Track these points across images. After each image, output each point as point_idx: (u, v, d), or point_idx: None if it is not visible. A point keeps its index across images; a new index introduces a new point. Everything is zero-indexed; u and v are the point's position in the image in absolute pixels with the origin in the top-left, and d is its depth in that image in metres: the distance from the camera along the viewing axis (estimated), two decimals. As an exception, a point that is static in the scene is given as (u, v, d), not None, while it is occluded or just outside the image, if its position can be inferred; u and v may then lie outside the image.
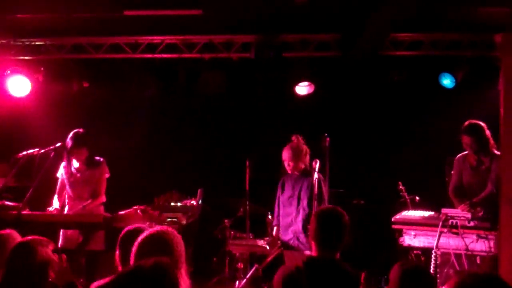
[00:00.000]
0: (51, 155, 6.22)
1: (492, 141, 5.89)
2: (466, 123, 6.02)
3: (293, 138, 6.49)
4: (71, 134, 6.47)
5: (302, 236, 6.17)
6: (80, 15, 6.97)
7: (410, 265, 3.16)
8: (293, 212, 6.30)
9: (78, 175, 6.55)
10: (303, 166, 6.38)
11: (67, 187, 6.56)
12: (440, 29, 7.34)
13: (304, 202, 6.26)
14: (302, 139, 6.50)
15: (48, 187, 6.70)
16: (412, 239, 5.88)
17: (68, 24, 7.32)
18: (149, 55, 7.87)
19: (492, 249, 5.31)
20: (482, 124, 5.95)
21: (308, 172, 6.32)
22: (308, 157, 6.44)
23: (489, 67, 7.12)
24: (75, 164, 6.56)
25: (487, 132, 5.91)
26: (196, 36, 7.77)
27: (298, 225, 6.21)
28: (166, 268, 2.49)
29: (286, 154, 6.39)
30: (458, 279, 2.12)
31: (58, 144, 6.33)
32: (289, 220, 6.31)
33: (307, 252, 6.04)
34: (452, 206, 6.04)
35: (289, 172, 6.41)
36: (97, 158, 6.63)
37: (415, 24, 7.30)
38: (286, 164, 6.40)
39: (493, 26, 6.27)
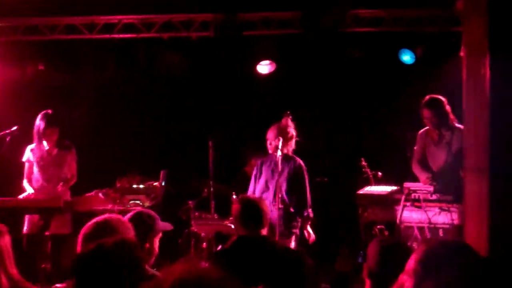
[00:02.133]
0: (7, 139, 6.09)
1: (452, 115, 5.94)
2: (427, 97, 6.06)
3: (284, 118, 6.33)
4: (40, 115, 6.39)
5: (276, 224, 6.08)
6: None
7: (389, 241, 3.16)
8: (270, 198, 6.15)
9: (49, 157, 6.48)
10: (285, 151, 6.20)
11: (37, 170, 6.45)
12: (400, 5, 7.35)
13: (283, 188, 6.14)
14: (292, 122, 6.35)
15: (6, 171, 6.57)
16: (375, 214, 5.94)
17: (21, 5, 7.11)
18: (106, 36, 7.69)
19: (455, 221, 5.40)
20: (442, 98, 5.99)
21: (290, 158, 6.24)
22: (293, 142, 6.29)
23: (449, 43, 7.18)
24: (46, 146, 6.46)
25: (447, 107, 5.96)
26: (155, 15, 7.63)
27: (274, 213, 6.07)
28: (129, 245, 2.45)
29: (271, 133, 6.19)
30: (427, 247, 2.11)
31: (14, 128, 6.20)
32: None
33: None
34: (414, 180, 6.10)
35: (270, 151, 6.25)
36: (67, 141, 6.57)
37: (375, 0, 7.30)
38: (268, 143, 6.26)
39: (452, 2, 6.31)
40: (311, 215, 6.25)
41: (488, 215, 2.58)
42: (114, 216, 3.19)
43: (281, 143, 6.04)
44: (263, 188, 6.28)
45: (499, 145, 2.59)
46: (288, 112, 6.42)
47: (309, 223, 6.27)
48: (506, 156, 2.60)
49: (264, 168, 6.38)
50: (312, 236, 6.27)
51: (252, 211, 4.06)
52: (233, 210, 4.25)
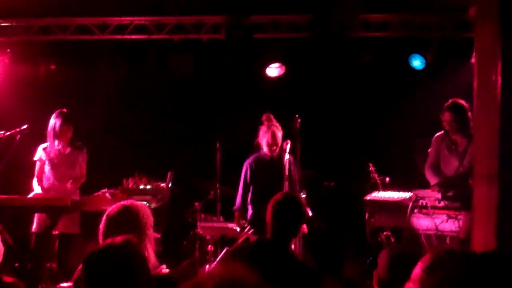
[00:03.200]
0: (17, 137, 6.12)
1: (472, 123, 5.81)
2: (450, 100, 5.96)
3: (265, 117, 6.40)
4: (55, 114, 6.43)
5: None
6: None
7: (399, 249, 3.13)
8: None
9: (62, 157, 6.51)
10: (278, 148, 6.31)
11: (48, 169, 6.47)
12: (410, 10, 7.33)
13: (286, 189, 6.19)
14: (275, 122, 6.42)
15: (15, 170, 6.60)
16: (382, 220, 5.91)
17: (34, 5, 7.14)
18: (118, 37, 7.73)
19: (460, 234, 5.34)
20: (465, 104, 5.89)
21: (280, 155, 6.28)
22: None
23: (459, 49, 7.16)
24: (58, 145, 6.48)
25: (469, 113, 5.81)
26: (166, 17, 7.65)
27: None
28: (134, 246, 2.50)
29: (277, 136, 6.28)
30: (433, 254, 2.10)
31: (24, 127, 6.23)
32: None
33: None
34: (423, 187, 6.06)
35: (270, 154, 6.29)
36: (79, 142, 6.61)
37: (385, 5, 7.29)
38: (271, 145, 6.28)
39: (462, 7, 6.29)
40: (309, 213, 6.28)
41: (496, 222, 2.57)
42: (139, 203, 3.32)
43: (288, 146, 6.05)
44: (266, 189, 6.25)
45: (509, 152, 2.58)
46: (297, 116, 6.43)
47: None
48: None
49: (256, 170, 6.42)
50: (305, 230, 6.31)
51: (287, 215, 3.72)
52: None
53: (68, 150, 6.55)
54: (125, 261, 2.45)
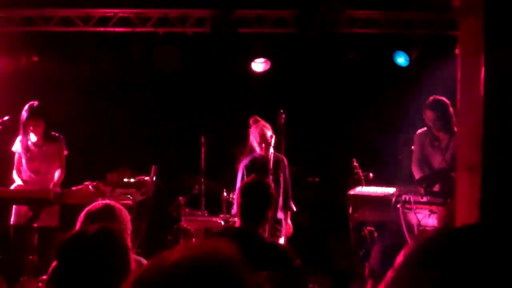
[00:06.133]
0: (-1, 128, 6.06)
1: (454, 119, 5.85)
2: (431, 98, 5.99)
3: (252, 120, 6.38)
4: (26, 106, 6.34)
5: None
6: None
7: (391, 242, 3.15)
8: None
9: (36, 149, 6.43)
10: (270, 147, 6.26)
11: (24, 161, 6.42)
12: (395, 7, 7.36)
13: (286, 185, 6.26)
14: (264, 122, 6.40)
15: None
16: (365, 215, 5.93)
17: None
18: (101, 29, 7.66)
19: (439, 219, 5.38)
20: (447, 100, 5.92)
21: (275, 157, 6.28)
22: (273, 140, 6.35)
23: (443, 46, 7.19)
24: (33, 138, 6.43)
25: (451, 109, 5.86)
26: (150, 9, 7.61)
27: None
28: (112, 233, 2.43)
29: (265, 133, 6.25)
30: (415, 242, 2.10)
31: (6, 118, 6.16)
32: None
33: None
34: (406, 182, 6.09)
35: (261, 152, 6.28)
36: (55, 133, 6.53)
37: (371, 1, 7.31)
38: (261, 142, 6.27)
39: (448, 5, 6.31)
40: (294, 208, 6.38)
41: (479, 214, 2.59)
42: (117, 204, 3.29)
43: (273, 141, 6.06)
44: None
45: (492, 144, 2.60)
46: (282, 111, 6.42)
47: (290, 215, 6.40)
48: (498, 154, 2.60)
49: (257, 169, 6.38)
50: (291, 229, 6.34)
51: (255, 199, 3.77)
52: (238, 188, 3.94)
53: (41, 142, 6.48)
54: (100, 248, 2.36)
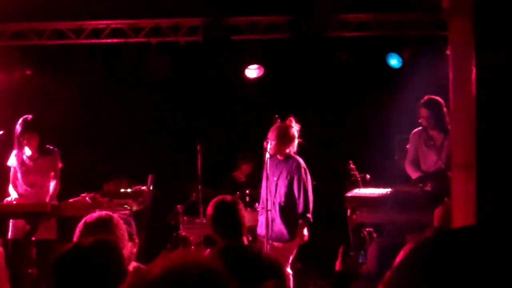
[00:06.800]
0: (-7, 143, 6.06)
1: (448, 118, 5.92)
2: (425, 97, 6.08)
3: (288, 119, 6.29)
4: (20, 120, 6.34)
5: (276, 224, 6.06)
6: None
7: (386, 242, 3.15)
8: (271, 200, 6.07)
9: (31, 163, 6.43)
10: (287, 151, 6.16)
11: (19, 175, 6.42)
12: (386, 9, 7.38)
13: (282, 191, 6.11)
14: (294, 122, 6.26)
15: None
16: (363, 216, 5.94)
17: (8, 10, 7.05)
18: (94, 41, 7.67)
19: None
20: (441, 100, 5.99)
21: (289, 158, 6.20)
22: (294, 143, 6.22)
23: (436, 47, 7.22)
24: (28, 152, 6.43)
25: (445, 109, 5.95)
26: (142, 20, 7.61)
27: (263, 216, 6.03)
28: (107, 245, 2.43)
29: (271, 133, 6.11)
30: (415, 243, 2.11)
31: (0, 132, 6.17)
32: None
33: (276, 244, 6.02)
34: (403, 183, 6.12)
35: (269, 152, 6.14)
36: (50, 146, 6.53)
37: (362, 4, 7.33)
38: (269, 143, 6.16)
39: (439, 6, 6.34)
40: (311, 219, 6.18)
41: (475, 212, 2.60)
42: (107, 213, 3.30)
43: (269, 146, 6.04)
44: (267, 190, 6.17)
45: (486, 142, 2.61)
46: (276, 116, 6.43)
47: (306, 226, 6.16)
48: (493, 152, 2.62)
49: (266, 171, 6.37)
50: (304, 239, 6.20)
51: (229, 216, 3.88)
52: (207, 215, 4.04)
53: (36, 156, 6.48)
54: (96, 260, 2.37)
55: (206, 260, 1.32)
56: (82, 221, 3.18)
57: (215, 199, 4.10)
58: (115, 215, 3.28)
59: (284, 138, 6.12)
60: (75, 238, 3.10)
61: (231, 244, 3.80)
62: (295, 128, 6.21)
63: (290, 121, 6.24)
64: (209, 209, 3.98)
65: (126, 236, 3.20)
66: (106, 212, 3.32)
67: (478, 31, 2.63)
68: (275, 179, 6.14)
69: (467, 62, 2.73)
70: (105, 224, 3.12)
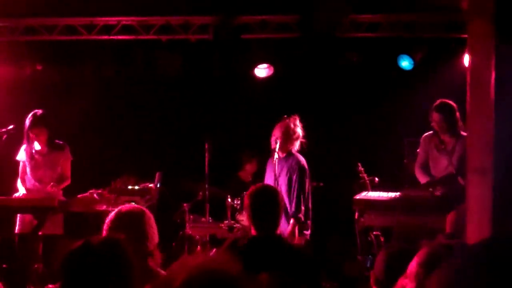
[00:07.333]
0: (3, 137, 6.07)
1: (460, 123, 5.88)
2: (438, 101, 6.02)
3: (292, 117, 6.31)
4: (29, 115, 6.36)
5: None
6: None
7: (394, 248, 3.10)
8: None
9: (40, 158, 6.44)
10: (290, 147, 6.22)
11: (28, 170, 6.42)
12: (398, 10, 7.34)
13: (283, 189, 6.10)
14: (298, 122, 6.32)
15: (1, 170, 6.54)
16: (371, 220, 5.91)
17: (20, 5, 7.06)
18: (105, 37, 7.65)
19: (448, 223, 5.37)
20: (454, 104, 5.94)
21: (290, 157, 6.21)
22: (297, 142, 6.29)
23: (447, 49, 7.18)
24: (37, 146, 6.45)
25: (457, 113, 5.90)
26: (153, 17, 7.60)
27: None
28: (118, 242, 2.42)
29: (276, 130, 6.19)
30: (429, 250, 2.09)
31: (11, 127, 6.18)
32: None
33: None
34: (412, 186, 6.07)
35: (274, 148, 6.15)
36: (59, 141, 6.53)
37: (374, 5, 7.29)
38: (273, 139, 6.19)
39: (451, 7, 6.30)
40: (302, 219, 6.19)
41: (490, 217, 2.57)
42: (139, 207, 3.40)
43: (278, 145, 6.03)
44: None
45: (504, 146, 2.58)
46: (285, 116, 6.42)
47: (297, 227, 6.18)
48: (510, 157, 2.59)
49: (268, 169, 6.38)
50: (295, 240, 6.20)
51: (268, 204, 3.81)
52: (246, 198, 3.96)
53: (46, 151, 6.49)
54: (105, 259, 2.35)
55: (227, 266, 1.32)
56: (115, 211, 3.19)
57: (257, 185, 4.08)
58: (146, 209, 3.29)
59: (289, 135, 6.21)
60: (105, 227, 3.10)
61: (264, 235, 3.74)
62: (299, 127, 6.20)
63: (295, 119, 6.26)
64: (248, 195, 3.91)
65: (156, 230, 3.22)
66: (139, 206, 3.35)
67: (499, 33, 2.60)
68: (276, 177, 6.12)
69: (486, 65, 2.70)
70: (137, 217, 3.12)
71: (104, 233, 3.12)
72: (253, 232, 3.83)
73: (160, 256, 3.29)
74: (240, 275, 1.31)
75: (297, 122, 6.27)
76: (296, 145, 6.27)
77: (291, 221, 6.14)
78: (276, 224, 3.82)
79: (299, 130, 6.25)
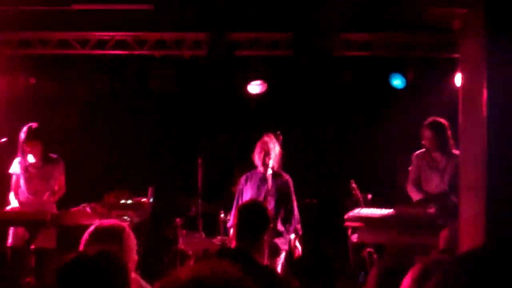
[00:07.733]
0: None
1: (452, 141, 5.93)
2: (430, 119, 6.07)
3: (267, 135, 6.34)
4: (24, 128, 6.36)
5: None
6: (27, 8, 6.75)
7: (387, 265, 3.09)
8: None
9: (34, 170, 6.43)
10: (275, 166, 6.22)
11: (22, 182, 6.40)
12: (391, 29, 7.42)
13: (271, 205, 6.10)
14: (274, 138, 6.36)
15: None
16: (365, 237, 5.91)
17: (15, 19, 7.08)
18: (99, 52, 7.69)
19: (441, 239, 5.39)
20: (445, 122, 5.99)
21: (278, 174, 6.24)
22: (279, 159, 6.32)
23: (439, 68, 7.25)
24: (31, 159, 6.43)
25: (449, 131, 5.95)
26: (147, 33, 7.64)
27: None
28: (112, 256, 2.42)
29: (266, 145, 6.19)
30: (422, 265, 2.10)
31: (3, 140, 6.17)
32: None
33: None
34: (404, 202, 6.10)
35: (260, 165, 6.20)
36: (53, 154, 6.53)
37: (366, 24, 7.36)
38: (262, 156, 6.20)
39: (443, 27, 6.37)
40: (300, 231, 6.29)
41: (483, 234, 2.59)
42: (120, 223, 3.30)
43: (271, 161, 6.05)
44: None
45: (497, 163, 2.61)
46: (279, 133, 6.45)
47: (298, 238, 6.28)
48: (504, 173, 2.61)
49: (249, 185, 6.36)
50: (299, 251, 6.27)
51: (245, 217, 3.82)
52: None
53: (40, 164, 6.48)
54: (100, 271, 2.36)
55: (233, 269, 1.36)
56: (93, 226, 3.16)
57: (249, 200, 4.14)
58: (127, 226, 3.26)
59: (277, 152, 6.23)
60: (82, 242, 3.08)
61: (238, 247, 3.72)
62: (277, 143, 6.32)
63: (271, 136, 6.30)
64: (238, 207, 4.02)
65: (135, 248, 3.20)
66: (118, 221, 3.33)
67: (490, 51, 2.64)
68: (263, 195, 6.12)
69: (478, 83, 2.74)
70: (116, 233, 3.12)
71: (81, 245, 3.08)
72: (232, 244, 3.87)
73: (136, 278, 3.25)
74: (244, 278, 1.36)
75: (274, 138, 6.32)
76: (279, 162, 6.29)
77: (294, 236, 6.24)
78: (256, 240, 3.74)
79: (278, 146, 6.30)
